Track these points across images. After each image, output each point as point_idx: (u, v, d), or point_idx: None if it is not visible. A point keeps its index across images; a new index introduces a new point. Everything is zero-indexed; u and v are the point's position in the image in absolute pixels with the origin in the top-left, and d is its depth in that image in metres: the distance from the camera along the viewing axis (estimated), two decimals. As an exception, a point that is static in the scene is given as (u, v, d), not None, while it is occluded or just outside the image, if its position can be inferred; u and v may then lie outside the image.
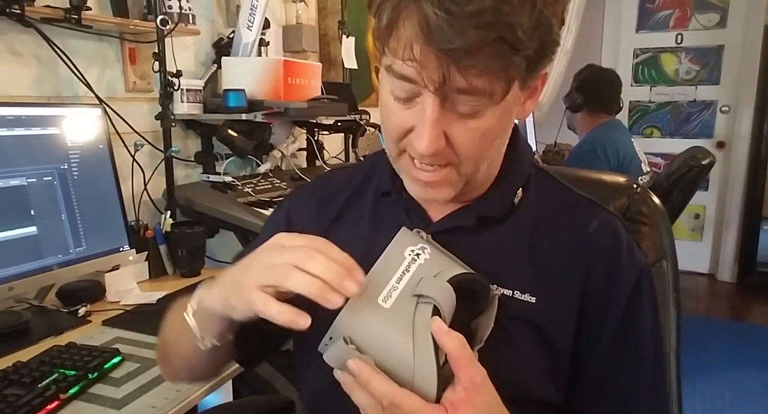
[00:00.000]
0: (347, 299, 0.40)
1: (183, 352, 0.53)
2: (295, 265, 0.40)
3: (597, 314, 0.50)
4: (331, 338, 0.42)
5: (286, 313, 0.39)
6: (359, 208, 0.57)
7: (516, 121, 0.52)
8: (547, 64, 0.45)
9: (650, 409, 0.51)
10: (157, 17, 1.16)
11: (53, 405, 0.65)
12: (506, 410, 0.43)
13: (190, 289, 0.51)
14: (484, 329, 0.47)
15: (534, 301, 0.49)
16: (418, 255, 0.45)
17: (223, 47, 1.45)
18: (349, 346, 0.40)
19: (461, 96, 0.42)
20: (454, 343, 0.40)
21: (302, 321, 0.39)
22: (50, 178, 0.92)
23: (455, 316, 0.44)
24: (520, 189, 0.53)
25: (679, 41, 3.17)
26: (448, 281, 0.43)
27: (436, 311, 0.42)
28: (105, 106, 1.11)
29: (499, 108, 0.44)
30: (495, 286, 0.49)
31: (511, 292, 0.49)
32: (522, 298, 0.49)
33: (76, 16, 1.04)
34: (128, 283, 1.05)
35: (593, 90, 2.00)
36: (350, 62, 1.87)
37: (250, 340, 0.52)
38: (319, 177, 0.64)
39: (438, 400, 0.40)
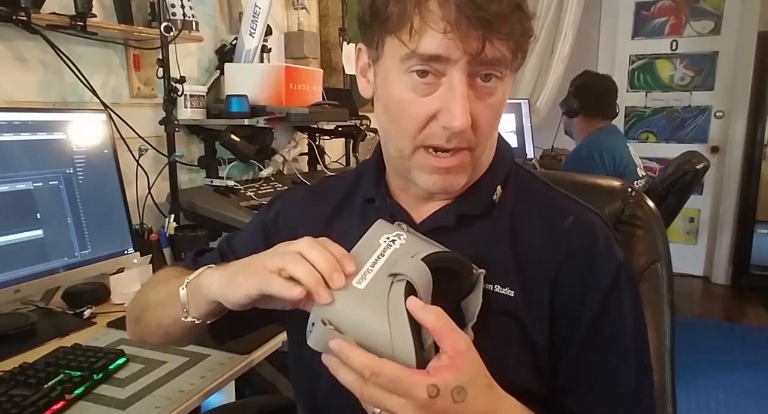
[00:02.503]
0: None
1: (162, 319, 0.55)
2: (299, 252, 0.44)
3: (571, 308, 0.50)
4: (313, 324, 0.43)
5: (283, 286, 0.43)
6: (348, 214, 0.58)
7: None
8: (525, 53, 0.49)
9: (633, 404, 0.51)
10: (161, 24, 1.17)
11: (59, 405, 0.66)
12: (492, 379, 0.43)
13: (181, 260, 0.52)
14: (474, 306, 0.47)
15: (513, 294, 0.50)
16: (393, 241, 0.47)
17: (225, 54, 1.46)
18: (327, 327, 0.42)
19: (483, 67, 0.45)
20: (432, 315, 0.40)
21: (297, 291, 0.43)
22: (56, 182, 0.93)
23: (442, 297, 0.44)
24: (499, 187, 0.54)
25: (674, 48, 3.20)
26: (423, 259, 0.44)
27: (410, 287, 0.42)
28: (110, 111, 1.12)
29: (505, 84, 0.48)
30: (477, 269, 0.49)
31: (491, 286, 0.50)
32: (502, 291, 0.50)
33: (81, 23, 1.05)
34: (133, 285, 1.05)
35: (589, 95, 2.02)
36: (351, 68, 1.89)
37: (225, 319, 0.53)
38: (311, 184, 0.65)
39: (420, 367, 0.40)
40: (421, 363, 0.41)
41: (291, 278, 0.43)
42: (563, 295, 0.50)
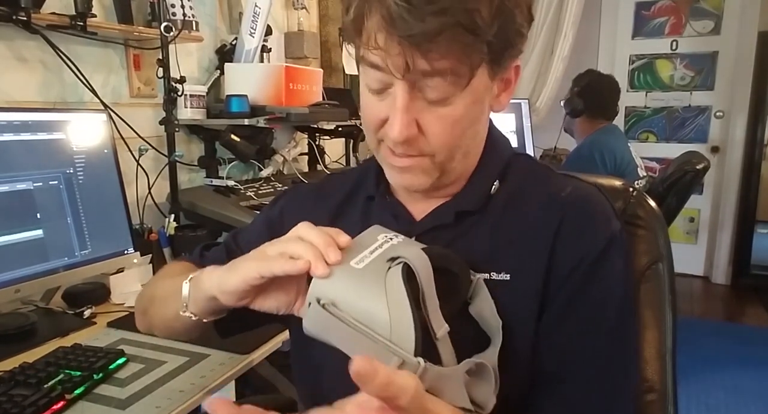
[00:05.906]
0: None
1: (165, 312, 0.57)
2: (298, 236, 0.46)
3: (559, 278, 0.48)
4: (309, 304, 0.43)
5: (286, 262, 0.44)
6: (351, 212, 0.58)
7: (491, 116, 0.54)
8: (516, 56, 0.48)
9: (609, 398, 0.48)
10: (161, 24, 1.17)
11: (59, 405, 0.66)
12: None
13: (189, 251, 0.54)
14: (489, 310, 0.46)
15: (508, 278, 0.49)
16: (391, 238, 0.47)
17: (225, 54, 1.47)
18: (321, 304, 0.42)
19: (428, 80, 0.44)
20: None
21: (300, 263, 0.43)
22: (56, 182, 0.93)
23: (448, 305, 0.44)
24: (497, 181, 0.53)
25: (674, 48, 3.20)
26: (423, 250, 0.44)
27: (410, 270, 0.42)
28: (110, 111, 1.12)
29: (468, 95, 0.46)
30: (474, 274, 0.48)
31: (488, 275, 0.49)
32: (498, 278, 0.49)
33: (81, 23, 1.05)
34: (133, 285, 1.06)
35: (594, 95, 2.02)
36: (351, 68, 1.88)
37: (229, 314, 0.54)
38: (315, 181, 0.66)
39: (417, 353, 0.39)
40: (419, 351, 0.40)
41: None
42: (555, 266, 0.49)
